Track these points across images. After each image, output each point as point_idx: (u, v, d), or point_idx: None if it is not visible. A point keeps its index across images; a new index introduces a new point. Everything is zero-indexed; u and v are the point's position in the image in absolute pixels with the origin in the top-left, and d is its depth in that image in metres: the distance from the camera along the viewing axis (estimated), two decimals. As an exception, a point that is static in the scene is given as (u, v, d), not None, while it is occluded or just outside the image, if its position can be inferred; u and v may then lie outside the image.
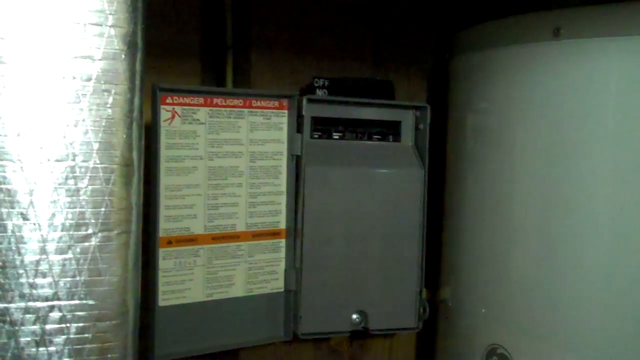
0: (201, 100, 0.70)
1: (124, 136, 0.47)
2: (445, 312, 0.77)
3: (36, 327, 0.46)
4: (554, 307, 0.61)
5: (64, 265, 0.46)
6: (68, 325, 0.47)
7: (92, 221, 0.47)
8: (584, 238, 0.60)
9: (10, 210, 0.45)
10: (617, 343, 0.57)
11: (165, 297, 0.70)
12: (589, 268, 0.59)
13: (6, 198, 0.45)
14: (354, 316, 0.75)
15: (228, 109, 0.71)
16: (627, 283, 0.57)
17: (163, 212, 0.68)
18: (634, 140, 0.57)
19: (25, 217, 0.45)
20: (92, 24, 0.45)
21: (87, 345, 0.48)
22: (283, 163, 0.74)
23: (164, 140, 0.68)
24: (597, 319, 0.59)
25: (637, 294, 0.56)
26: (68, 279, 0.47)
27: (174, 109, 0.68)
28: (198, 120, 0.70)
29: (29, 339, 0.46)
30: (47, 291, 0.46)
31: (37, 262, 0.46)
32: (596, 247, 0.59)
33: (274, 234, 0.75)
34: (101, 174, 0.47)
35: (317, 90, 0.76)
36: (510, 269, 0.66)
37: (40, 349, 0.46)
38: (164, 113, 0.68)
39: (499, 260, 0.68)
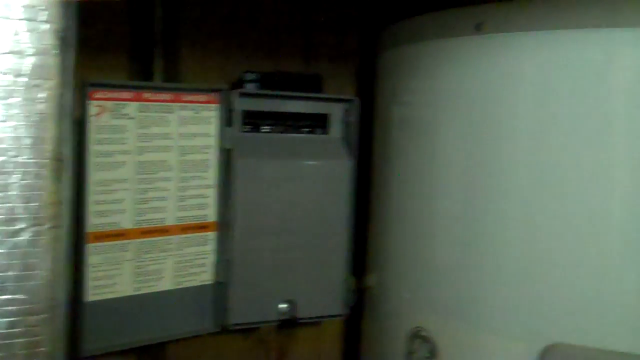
0: (131, 94, 0.70)
1: (55, 131, 0.47)
2: (371, 299, 0.80)
3: (-35, 323, 0.46)
4: (475, 291, 0.64)
5: (-6, 260, 0.46)
6: (-2, 320, 0.47)
7: (23, 216, 0.47)
8: (503, 225, 0.63)
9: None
10: (532, 323, 0.61)
11: (94, 291, 0.70)
12: (508, 253, 0.62)
13: None
14: (283, 306, 0.77)
15: (157, 103, 0.71)
16: (543, 266, 0.60)
17: (92, 207, 0.68)
18: (550, 132, 0.61)
19: (-46, 213, 0.45)
20: (23, 20, 0.45)
21: (17, 340, 0.48)
22: (212, 157, 0.75)
23: (93, 135, 0.67)
24: (515, 301, 0.62)
25: (552, 276, 0.60)
26: (-1, 274, 0.47)
27: (103, 103, 0.68)
28: (127, 115, 0.70)
29: (-42, 334, 0.46)
30: (-23, 287, 0.46)
31: (-33, 258, 0.46)
32: (515, 233, 0.62)
33: (203, 227, 0.76)
34: (32, 169, 0.47)
35: (248, 84, 0.77)
36: (434, 256, 0.69)
37: (-30, 344, 0.46)
38: (93, 108, 0.67)
39: (423, 247, 0.70)
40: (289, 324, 0.78)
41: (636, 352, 0.56)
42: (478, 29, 0.65)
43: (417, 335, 0.68)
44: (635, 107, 0.57)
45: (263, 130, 0.78)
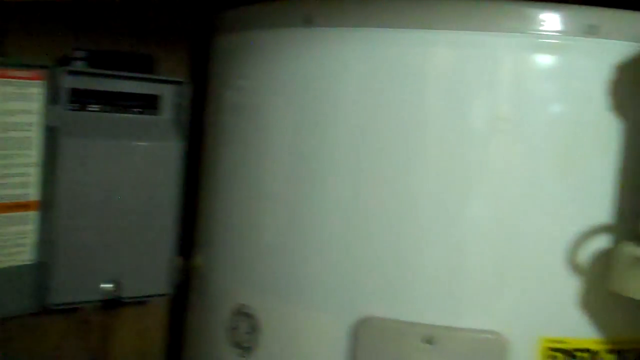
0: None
1: None
2: (197, 278, 0.82)
3: None
4: (292, 269, 0.68)
5: None
6: None
7: None
8: (323, 207, 0.67)
9: None
10: (347, 299, 0.65)
11: None
12: (325, 233, 0.67)
13: None
14: (107, 285, 0.77)
15: (-21, 78, 0.69)
16: (356, 246, 0.65)
17: None
18: (370, 122, 0.65)
19: None
20: None
21: None
22: (36, 134, 0.73)
23: None
24: (330, 279, 0.66)
25: (364, 255, 0.64)
26: None
27: None
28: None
29: None
30: None
31: None
32: (331, 214, 0.66)
33: (25, 206, 0.74)
34: None
35: (76, 62, 0.76)
36: (257, 236, 0.72)
37: None
38: None
39: (247, 227, 0.73)
40: (113, 304, 0.79)
41: (442, 324, 0.63)
42: (307, 21, 0.69)
43: (240, 312, 0.72)
44: (446, 102, 0.63)
45: (91, 109, 0.78)
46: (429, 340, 0.62)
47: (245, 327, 0.71)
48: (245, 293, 0.72)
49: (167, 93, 0.82)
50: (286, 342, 0.69)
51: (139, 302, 0.85)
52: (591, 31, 0.61)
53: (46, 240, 0.73)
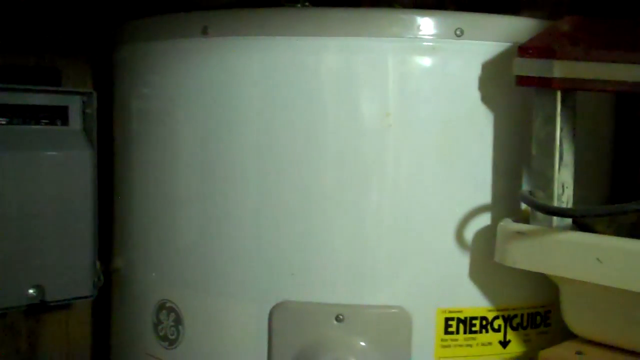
0: None
1: None
2: (118, 280, 0.85)
3: None
4: (209, 262, 0.73)
5: None
6: None
7: None
8: (233, 204, 0.72)
9: None
10: (261, 286, 0.71)
11: None
12: (237, 227, 0.71)
13: None
14: (31, 291, 0.80)
15: None
16: (267, 237, 0.70)
17: None
18: (268, 124, 0.70)
19: None
20: None
21: None
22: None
23: None
24: (245, 268, 0.71)
25: (276, 244, 0.70)
26: None
27: None
28: None
29: None
30: None
31: None
32: (243, 211, 0.71)
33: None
34: None
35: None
36: (172, 235, 0.76)
37: None
38: None
39: (164, 228, 0.77)
40: (38, 308, 0.81)
41: (351, 303, 0.69)
42: (204, 32, 0.73)
43: (163, 307, 0.76)
44: (340, 102, 0.69)
45: (2, 123, 0.80)
46: (340, 318, 0.69)
47: (169, 321, 0.76)
48: (167, 289, 0.76)
49: (74, 104, 0.85)
50: (208, 331, 0.73)
51: (63, 305, 0.88)
52: (459, 34, 0.68)
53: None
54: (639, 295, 0.56)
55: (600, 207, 0.57)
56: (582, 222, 0.64)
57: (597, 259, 0.58)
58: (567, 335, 0.67)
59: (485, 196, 0.70)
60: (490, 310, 0.71)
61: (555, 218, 0.62)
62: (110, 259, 0.87)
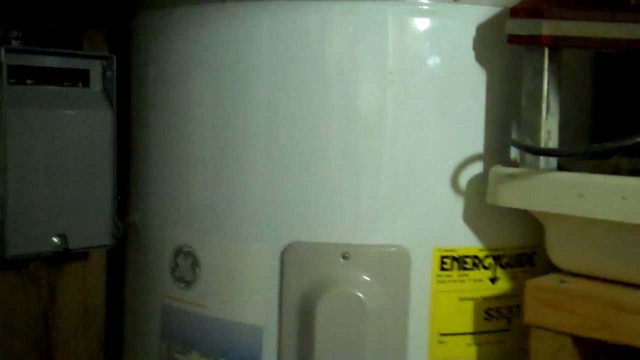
0: None
1: None
2: (133, 233, 0.92)
3: None
4: (224, 208, 0.79)
5: None
6: None
7: None
8: (247, 153, 0.78)
9: None
10: (274, 228, 0.77)
11: None
12: (252, 177, 0.78)
13: None
14: (55, 239, 0.86)
15: None
16: (282, 185, 0.77)
17: None
18: (279, 87, 0.77)
19: None
20: None
21: None
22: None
23: None
24: (258, 212, 0.77)
25: (291, 192, 0.76)
26: None
27: None
28: None
29: None
30: None
31: None
32: (256, 160, 0.78)
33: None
34: None
35: (12, 41, 0.84)
36: (190, 185, 0.82)
37: None
38: None
39: (180, 180, 0.83)
40: (62, 256, 0.87)
41: (356, 243, 0.76)
42: (222, -2, 0.79)
43: (180, 252, 0.82)
44: (345, 61, 0.75)
45: (29, 84, 0.86)
46: (346, 256, 0.75)
47: (186, 264, 0.82)
48: (184, 235, 0.82)
49: (95, 67, 0.91)
50: (223, 271, 0.80)
51: (82, 255, 0.94)
52: (456, -2, 0.76)
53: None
54: (615, 226, 0.64)
55: (582, 145, 0.65)
56: (566, 168, 0.71)
57: (580, 195, 0.65)
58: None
59: (478, 146, 0.77)
60: (481, 250, 0.78)
61: (542, 160, 0.70)
62: (126, 215, 0.93)
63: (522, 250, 0.80)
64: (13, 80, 0.84)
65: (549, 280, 0.70)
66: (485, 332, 0.79)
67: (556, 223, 0.70)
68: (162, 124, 0.87)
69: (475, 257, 0.78)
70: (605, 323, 0.65)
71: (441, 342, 0.77)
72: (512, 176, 0.71)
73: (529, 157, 0.72)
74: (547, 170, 0.70)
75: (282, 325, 0.76)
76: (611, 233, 0.66)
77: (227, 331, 0.79)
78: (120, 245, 0.94)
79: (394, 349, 0.76)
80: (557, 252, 0.72)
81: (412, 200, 0.76)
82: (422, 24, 0.76)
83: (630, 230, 0.64)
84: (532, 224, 0.76)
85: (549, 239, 0.72)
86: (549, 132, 0.71)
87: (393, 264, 0.76)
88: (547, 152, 0.67)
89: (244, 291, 0.79)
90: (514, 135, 0.77)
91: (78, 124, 0.87)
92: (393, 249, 0.76)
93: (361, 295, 0.74)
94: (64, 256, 0.89)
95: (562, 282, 0.69)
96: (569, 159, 0.74)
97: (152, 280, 0.86)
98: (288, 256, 0.76)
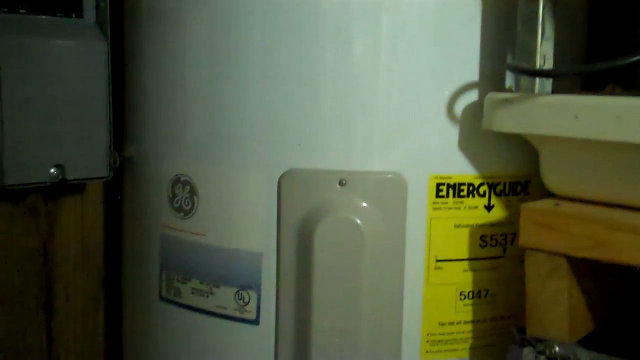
0: None
1: None
2: (130, 166, 0.92)
3: None
4: (222, 137, 0.79)
5: None
6: None
7: None
8: (242, 81, 0.78)
9: None
10: (271, 155, 0.77)
11: None
12: (248, 104, 0.78)
13: None
14: (52, 170, 0.86)
15: None
16: (278, 111, 0.76)
17: None
18: (273, 22, 0.76)
19: None
20: None
21: None
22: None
23: None
24: (256, 139, 0.77)
25: (288, 118, 0.76)
26: None
27: None
28: None
29: None
30: None
31: None
32: (253, 86, 0.77)
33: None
34: None
35: (4, -30, 0.83)
36: (187, 115, 0.82)
37: None
38: None
39: (177, 110, 0.83)
40: (59, 187, 0.87)
41: (353, 169, 0.76)
42: None
43: (178, 181, 0.82)
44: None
45: (21, 13, 0.85)
46: (342, 183, 0.76)
47: (184, 193, 0.82)
48: (181, 164, 0.83)
49: (88, -2, 0.91)
50: (221, 200, 0.80)
51: (79, 188, 0.94)
52: None
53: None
54: (609, 147, 0.65)
55: (576, 65, 0.65)
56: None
57: (575, 115, 0.66)
58: (545, 201, 0.76)
59: (473, 74, 0.77)
60: (476, 178, 0.78)
61: (537, 84, 0.70)
62: (122, 149, 0.93)
63: (517, 178, 0.80)
64: (5, 9, 0.83)
65: (544, 204, 0.71)
66: (480, 259, 0.80)
67: (551, 147, 0.71)
68: (156, 58, 0.86)
69: (471, 184, 0.78)
70: (599, 242, 0.66)
71: (437, 268, 0.79)
72: (507, 101, 0.71)
73: (524, 82, 0.72)
74: (542, 94, 0.70)
75: (281, 251, 0.77)
76: (605, 154, 0.67)
77: (226, 258, 0.80)
78: (117, 180, 0.95)
79: (391, 274, 0.77)
80: (552, 176, 0.73)
81: (408, 128, 0.77)
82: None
83: (624, 150, 0.64)
84: (527, 152, 0.77)
85: (543, 164, 0.73)
86: (544, 56, 0.71)
87: (389, 191, 0.77)
88: (542, 73, 0.68)
89: (242, 218, 0.80)
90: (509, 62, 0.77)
91: (72, 54, 0.87)
92: (389, 175, 0.76)
93: (358, 221, 0.75)
94: (62, 188, 0.90)
95: (557, 205, 0.70)
96: (562, 87, 0.74)
97: (150, 211, 0.87)
98: (285, 183, 0.77)
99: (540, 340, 0.69)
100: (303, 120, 0.77)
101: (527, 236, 0.70)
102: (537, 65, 0.70)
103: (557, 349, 0.67)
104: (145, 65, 0.88)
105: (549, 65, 0.71)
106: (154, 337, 0.89)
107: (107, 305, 1.03)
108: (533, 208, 0.71)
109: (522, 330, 0.72)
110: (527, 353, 0.69)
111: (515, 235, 0.81)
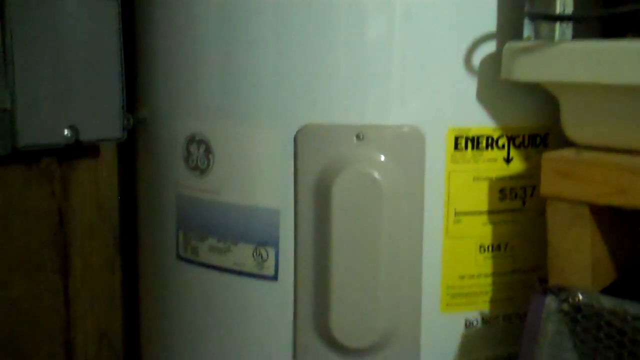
0: None
1: None
2: (143, 128, 0.91)
3: None
4: (237, 94, 0.79)
5: None
6: None
7: None
8: (256, 42, 0.77)
9: None
10: (287, 112, 0.77)
11: None
12: (262, 62, 0.77)
13: None
14: (66, 131, 0.85)
15: None
16: (293, 66, 0.76)
17: None
18: None
19: None
20: None
21: None
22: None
23: None
24: (271, 96, 0.77)
25: (303, 73, 0.76)
26: None
27: None
28: None
29: None
30: None
31: None
32: (266, 46, 0.77)
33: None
34: None
35: None
36: (200, 73, 0.82)
37: None
38: None
39: (189, 70, 0.82)
40: (73, 149, 0.87)
41: (370, 123, 0.76)
42: None
43: (193, 140, 0.82)
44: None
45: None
46: (360, 137, 0.75)
47: (199, 152, 0.82)
48: (196, 123, 0.82)
49: (98, -43, 0.89)
50: (237, 157, 0.80)
51: (94, 150, 0.94)
52: None
53: (7, 88, 0.80)
54: (631, 92, 0.64)
55: (598, 9, 0.64)
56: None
57: (596, 61, 0.65)
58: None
59: (491, 25, 0.76)
60: (495, 130, 0.78)
61: (557, 31, 0.69)
62: (135, 111, 0.93)
63: (536, 131, 0.79)
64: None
65: (565, 152, 0.70)
66: (499, 212, 0.79)
67: (572, 95, 0.70)
68: (168, 16, 0.85)
69: (489, 137, 0.77)
70: (622, 189, 0.65)
71: (457, 221, 0.78)
72: (527, 49, 0.70)
73: (544, 29, 0.71)
74: (563, 40, 0.69)
75: (298, 207, 0.77)
76: (628, 100, 0.66)
77: (243, 216, 0.80)
78: (131, 142, 0.94)
79: (410, 228, 0.77)
80: (572, 125, 0.72)
81: (425, 81, 0.76)
82: None
83: (647, 94, 0.64)
84: (546, 104, 0.76)
85: (564, 113, 0.72)
86: (564, 3, 0.70)
87: (407, 144, 0.76)
88: (564, 18, 0.66)
89: (258, 175, 0.79)
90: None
91: (83, 14, 0.85)
92: (407, 129, 0.76)
93: (376, 175, 0.75)
94: (76, 150, 0.89)
95: (578, 153, 0.70)
96: (580, 37, 0.73)
97: (166, 171, 0.87)
98: (302, 139, 0.76)
99: (562, 289, 0.68)
100: (318, 75, 0.76)
101: (548, 185, 0.70)
102: (557, 11, 0.69)
103: (580, 296, 0.67)
104: (157, 25, 0.87)
105: (568, 12, 0.70)
106: (172, 297, 0.89)
107: (123, 267, 1.03)
108: (554, 157, 0.70)
109: (544, 280, 0.72)
110: (550, 301, 0.68)
111: (534, 188, 0.80)
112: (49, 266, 0.95)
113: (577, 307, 0.68)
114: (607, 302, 0.66)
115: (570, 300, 0.68)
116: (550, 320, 0.69)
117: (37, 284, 0.94)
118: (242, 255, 0.81)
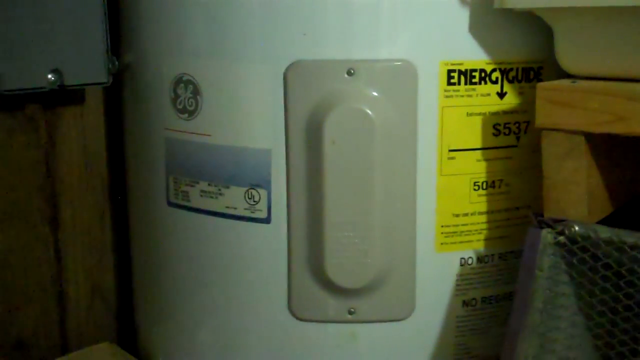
0: None
1: None
2: (129, 74, 0.89)
3: None
4: (224, 30, 0.76)
5: None
6: None
7: None
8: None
9: None
10: (276, 48, 0.74)
11: None
12: (247, 3, 0.75)
13: None
14: (50, 75, 0.83)
15: None
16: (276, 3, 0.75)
17: None
18: None
19: None
20: None
21: None
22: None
23: None
24: (260, 32, 0.75)
25: (292, 6, 0.74)
26: None
27: None
28: None
29: None
30: None
31: None
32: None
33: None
34: None
35: None
36: (184, 13, 0.79)
37: None
38: None
39: (174, 10, 0.80)
40: (57, 95, 0.85)
41: (361, 58, 0.74)
42: None
43: (180, 81, 0.80)
44: None
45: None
46: (351, 72, 0.73)
47: (187, 93, 0.80)
48: (182, 63, 0.80)
49: None
50: (226, 97, 0.78)
51: (79, 95, 0.92)
52: None
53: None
54: (628, 15, 0.62)
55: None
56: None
57: (593, -16, 0.63)
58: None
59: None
60: (488, 64, 0.76)
61: (552, -43, 0.67)
62: (120, 56, 0.91)
63: (530, 64, 0.78)
64: None
65: (561, 82, 0.69)
66: (493, 148, 0.78)
67: (566, 21, 0.68)
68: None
69: (483, 70, 0.76)
70: (619, 116, 0.64)
71: (450, 158, 0.77)
72: (521, -24, 0.68)
73: (538, -44, 0.69)
74: (558, -35, 0.67)
75: (290, 146, 0.75)
76: (624, 24, 0.64)
77: (234, 157, 0.78)
78: (117, 87, 0.92)
79: (403, 165, 0.75)
80: (567, 54, 0.70)
81: (415, 12, 0.74)
82: None
83: (644, 17, 0.62)
84: (539, 37, 0.75)
85: (558, 42, 0.70)
86: None
87: (399, 79, 0.74)
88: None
89: (248, 115, 0.77)
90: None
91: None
92: (398, 63, 0.74)
93: (368, 111, 0.73)
94: (61, 96, 0.87)
95: (574, 82, 0.68)
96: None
97: (153, 115, 0.85)
98: (291, 75, 0.74)
99: (558, 221, 0.67)
100: (306, 8, 0.74)
101: (543, 116, 0.68)
102: (552, -63, 0.67)
103: (576, 228, 0.66)
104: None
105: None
106: (163, 243, 0.88)
107: (113, 216, 1.02)
108: (549, 86, 0.68)
109: (539, 214, 0.71)
110: (546, 234, 0.67)
111: (528, 123, 0.79)
112: (37, 217, 0.93)
113: (573, 239, 0.67)
114: (604, 232, 0.65)
115: (567, 232, 0.67)
116: (546, 254, 0.68)
117: (26, 236, 0.93)
118: (234, 198, 0.79)
